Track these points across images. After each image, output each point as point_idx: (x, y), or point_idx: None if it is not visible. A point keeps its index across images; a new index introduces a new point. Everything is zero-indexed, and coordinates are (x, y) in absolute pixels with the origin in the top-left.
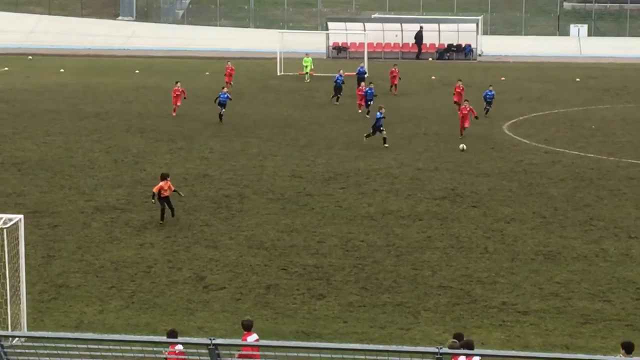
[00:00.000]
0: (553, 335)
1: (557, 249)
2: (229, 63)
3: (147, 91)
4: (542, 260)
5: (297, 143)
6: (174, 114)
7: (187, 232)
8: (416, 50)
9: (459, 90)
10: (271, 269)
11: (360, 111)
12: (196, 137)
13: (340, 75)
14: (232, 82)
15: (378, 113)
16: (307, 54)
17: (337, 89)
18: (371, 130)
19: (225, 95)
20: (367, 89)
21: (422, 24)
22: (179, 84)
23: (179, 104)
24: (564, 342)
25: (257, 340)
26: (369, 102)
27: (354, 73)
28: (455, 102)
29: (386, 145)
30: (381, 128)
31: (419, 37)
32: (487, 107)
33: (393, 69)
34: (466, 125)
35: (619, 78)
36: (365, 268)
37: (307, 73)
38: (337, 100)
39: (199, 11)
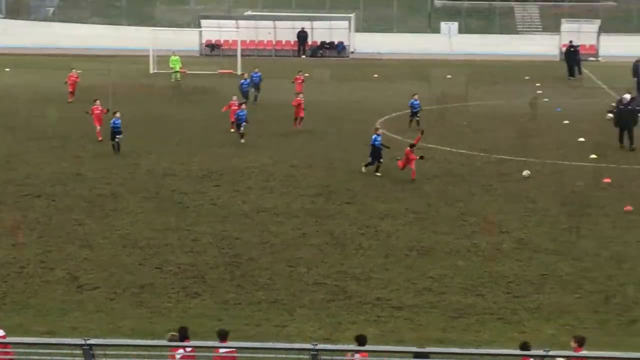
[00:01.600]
0: (427, 329)
1: (430, 245)
2: (73, 70)
3: (18, 89)
4: (415, 255)
5: (170, 141)
6: (100, 139)
7: (60, 231)
8: (289, 48)
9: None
10: (146, 268)
11: (232, 130)
12: (69, 136)
13: (246, 80)
14: (75, 92)
15: (375, 135)
16: (174, 53)
17: (245, 93)
18: (370, 159)
19: (119, 121)
20: (241, 111)
21: (299, 23)
22: (97, 102)
23: (100, 126)
24: (437, 337)
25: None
26: (241, 124)
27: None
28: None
29: (378, 174)
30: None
31: (301, 37)
32: (412, 117)
33: (298, 76)
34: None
35: (489, 75)
36: (240, 266)
37: (175, 72)
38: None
39: (69, 8)
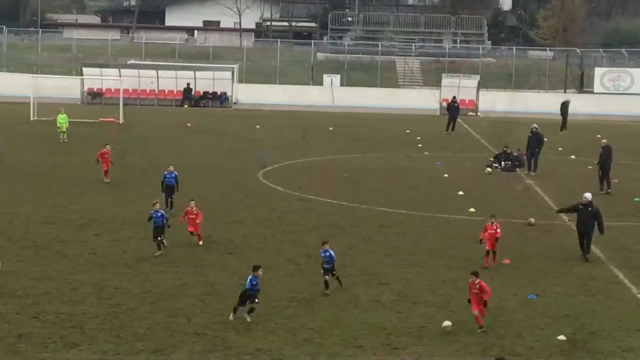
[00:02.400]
0: None
1: (311, 296)
2: (107, 146)
3: None
4: (295, 306)
5: (49, 189)
6: (107, 179)
7: None
8: (172, 97)
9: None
10: (23, 317)
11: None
12: None
13: (172, 172)
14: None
15: (251, 276)
16: (61, 110)
17: (169, 190)
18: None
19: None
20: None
21: (182, 72)
22: (108, 146)
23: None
24: None
25: None
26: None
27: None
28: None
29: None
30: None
31: (187, 90)
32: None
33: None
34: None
35: (369, 128)
36: (119, 316)
37: (62, 132)
38: (172, 208)
39: None
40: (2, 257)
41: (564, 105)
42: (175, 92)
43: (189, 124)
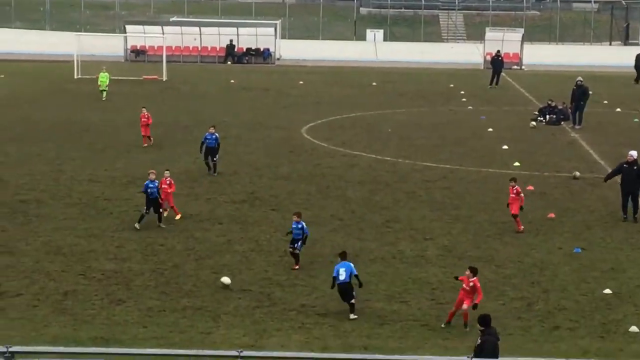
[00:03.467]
0: (352, 336)
1: (355, 251)
2: (143, 110)
3: None
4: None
5: (94, 147)
6: (145, 145)
7: None
8: (215, 54)
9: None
10: (69, 274)
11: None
12: None
13: (212, 134)
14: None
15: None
16: (103, 68)
17: (209, 151)
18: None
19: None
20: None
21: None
22: (144, 109)
23: (148, 134)
24: (362, 343)
25: None
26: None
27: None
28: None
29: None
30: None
31: (230, 47)
32: None
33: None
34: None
35: (413, 82)
36: (164, 272)
37: (103, 90)
38: (214, 171)
39: None
40: (48, 215)
41: (639, 58)
42: (218, 49)
43: (232, 81)
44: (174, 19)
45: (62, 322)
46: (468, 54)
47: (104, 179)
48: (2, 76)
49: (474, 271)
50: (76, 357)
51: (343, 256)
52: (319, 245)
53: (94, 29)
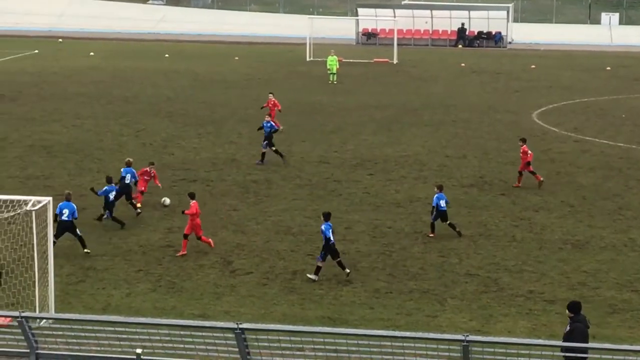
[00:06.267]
0: None
1: (585, 238)
2: (270, 95)
3: (176, 75)
4: (569, 249)
5: (325, 129)
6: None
7: (214, 216)
8: (446, 37)
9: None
10: (298, 254)
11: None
12: (225, 121)
13: (269, 122)
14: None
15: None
16: (332, 52)
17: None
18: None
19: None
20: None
21: (456, 12)
22: (271, 95)
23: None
24: (590, 332)
25: None
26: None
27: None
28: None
29: None
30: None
31: (461, 30)
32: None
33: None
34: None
35: None
36: (392, 255)
37: (332, 73)
38: (281, 154)
39: None
40: (278, 195)
41: None
42: (449, 32)
43: (462, 64)
44: (406, 2)
45: (290, 300)
46: None
47: (333, 160)
48: (237, 58)
49: None
50: (305, 336)
51: (327, 217)
52: (549, 231)
53: (326, 12)
